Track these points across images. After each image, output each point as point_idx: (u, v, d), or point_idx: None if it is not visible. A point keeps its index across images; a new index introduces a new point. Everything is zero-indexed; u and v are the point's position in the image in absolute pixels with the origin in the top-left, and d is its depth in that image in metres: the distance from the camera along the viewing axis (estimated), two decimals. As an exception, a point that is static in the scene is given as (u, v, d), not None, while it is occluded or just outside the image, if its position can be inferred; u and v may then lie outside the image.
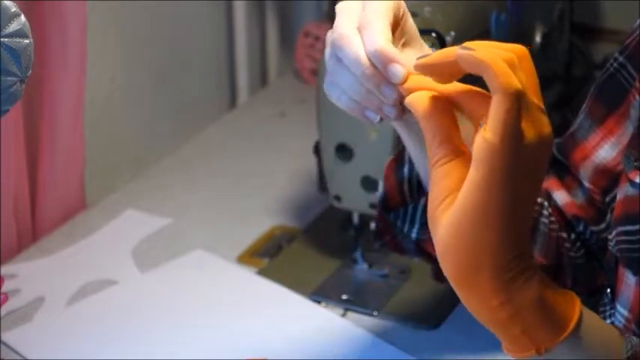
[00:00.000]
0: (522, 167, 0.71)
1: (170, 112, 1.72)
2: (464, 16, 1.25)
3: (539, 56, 1.43)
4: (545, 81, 1.47)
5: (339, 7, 0.84)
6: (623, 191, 0.96)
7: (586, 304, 1.12)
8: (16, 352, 1.16)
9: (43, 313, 1.23)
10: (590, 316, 0.78)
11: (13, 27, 0.85)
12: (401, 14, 0.84)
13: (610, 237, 0.98)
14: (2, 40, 0.85)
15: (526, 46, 0.75)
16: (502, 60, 0.71)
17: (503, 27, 1.31)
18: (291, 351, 1.15)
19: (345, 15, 0.83)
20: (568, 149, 1.06)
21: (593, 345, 0.78)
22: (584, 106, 1.06)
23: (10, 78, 0.86)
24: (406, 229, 1.02)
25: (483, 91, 0.73)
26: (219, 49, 1.81)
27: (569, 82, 1.54)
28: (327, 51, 0.84)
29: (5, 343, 1.17)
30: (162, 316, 1.22)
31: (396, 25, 0.84)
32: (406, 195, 1.03)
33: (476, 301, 0.76)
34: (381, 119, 0.84)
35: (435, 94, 0.75)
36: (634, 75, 0.99)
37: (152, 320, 1.21)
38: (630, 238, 0.94)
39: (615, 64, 1.01)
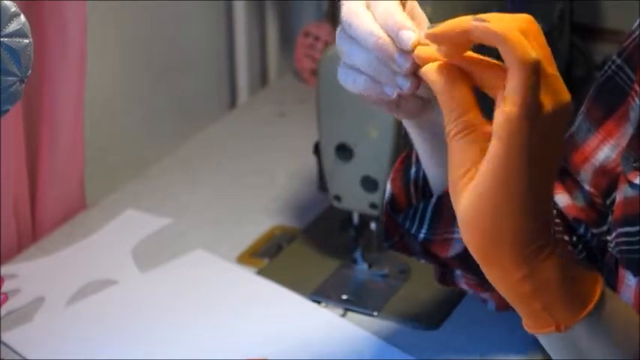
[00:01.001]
0: (543, 138, 0.71)
1: (170, 112, 1.72)
2: (464, 15, 1.25)
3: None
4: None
5: None
6: (622, 193, 0.96)
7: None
8: (16, 352, 1.16)
9: (43, 313, 1.23)
10: (613, 298, 0.78)
11: (12, 27, 0.85)
12: None
13: (610, 238, 0.98)
14: (2, 39, 0.85)
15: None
16: (517, 31, 0.71)
17: (503, 27, 1.31)
18: (291, 351, 1.15)
19: None
20: (567, 152, 1.06)
21: (615, 327, 0.78)
22: (582, 108, 1.06)
23: (9, 78, 0.86)
24: (414, 230, 1.01)
25: (498, 62, 0.73)
26: (219, 49, 1.81)
27: (570, 82, 1.54)
28: (337, 32, 0.83)
29: (5, 343, 1.17)
30: (162, 316, 1.22)
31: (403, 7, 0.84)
32: (412, 197, 1.03)
33: (498, 275, 0.76)
34: (399, 96, 0.83)
35: (451, 64, 0.74)
36: (632, 77, 0.99)
37: (152, 320, 1.21)
38: (630, 239, 0.94)
39: (613, 67, 1.01)
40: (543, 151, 0.72)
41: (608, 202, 1.04)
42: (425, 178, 1.00)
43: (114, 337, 1.18)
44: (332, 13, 1.81)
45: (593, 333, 0.77)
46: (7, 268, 1.30)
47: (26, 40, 0.86)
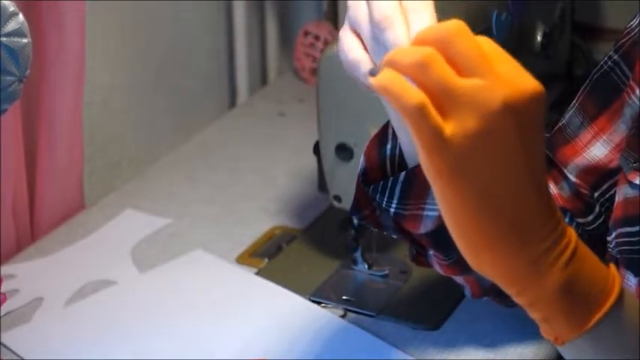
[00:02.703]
0: (482, 149, 0.69)
1: (169, 112, 1.72)
2: (464, 15, 1.24)
3: (540, 55, 1.42)
4: (546, 81, 1.46)
5: None
6: (622, 193, 0.96)
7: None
8: (14, 353, 1.16)
9: (42, 313, 1.23)
10: (632, 308, 0.76)
11: (11, 26, 0.85)
12: None
13: (610, 238, 0.98)
14: (1, 39, 0.85)
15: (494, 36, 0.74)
16: (410, 65, 0.69)
17: (504, 26, 1.31)
18: (291, 351, 1.15)
19: None
20: (557, 145, 1.06)
21: (620, 346, 0.76)
22: (574, 101, 1.05)
23: (8, 77, 0.86)
24: (385, 203, 0.99)
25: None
26: (219, 49, 1.81)
27: (570, 81, 1.53)
28: (367, 29, 0.81)
29: (3, 344, 1.17)
30: (161, 316, 1.21)
31: None
32: (388, 172, 1.01)
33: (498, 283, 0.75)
34: None
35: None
36: (628, 74, 0.99)
37: (151, 320, 1.21)
38: (630, 239, 0.94)
39: (609, 62, 1.00)
40: (493, 156, 0.70)
41: (596, 194, 1.03)
42: (401, 154, 0.98)
43: (113, 338, 1.18)
44: (332, 13, 1.81)
45: (600, 347, 0.75)
46: (5, 269, 1.30)
47: (25, 40, 0.86)
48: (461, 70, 0.70)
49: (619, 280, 0.77)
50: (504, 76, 0.70)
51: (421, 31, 0.72)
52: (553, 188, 1.08)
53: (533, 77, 0.71)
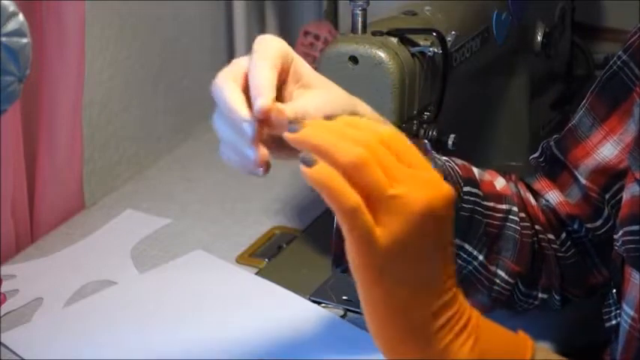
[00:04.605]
0: (401, 253, 0.73)
1: (169, 112, 1.72)
2: (464, 15, 1.25)
3: (540, 55, 1.42)
4: (547, 80, 1.47)
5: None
6: (629, 191, 0.96)
7: (586, 305, 1.12)
8: (14, 353, 1.16)
9: (42, 313, 1.22)
10: None
11: (11, 26, 0.85)
12: (290, 59, 0.85)
13: (616, 237, 0.98)
14: (1, 39, 0.84)
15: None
16: (347, 165, 0.72)
17: (504, 26, 1.31)
18: (291, 352, 1.15)
19: (227, 69, 0.86)
20: (568, 146, 1.06)
21: None
22: (584, 102, 1.05)
23: (8, 77, 0.86)
24: None
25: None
26: (219, 49, 1.81)
27: (571, 81, 1.53)
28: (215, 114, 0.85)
29: (3, 344, 1.17)
30: (161, 316, 1.21)
31: (285, 70, 0.85)
32: None
33: None
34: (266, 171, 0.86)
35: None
36: (637, 73, 0.99)
37: (151, 321, 1.21)
38: (637, 237, 0.94)
39: (618, 62, 1.00)
40: (415, 255, 0.73)
41: (607, 196, 1.03)
42: None
43: (113, 338, 1.18)
44: (332, 13, 1.81)
45: None
46: (5, 269, 1.29)
47: (25, 40, 0.86)
48: (387, 169, 0.73)
49: (530, 340, 0.80)
50: (425, 182, 0.74)
51: (361, 132, 0.74)
52: (559, 196, 1.08)
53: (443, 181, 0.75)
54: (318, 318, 1.21)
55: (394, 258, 0.73)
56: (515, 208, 1.07)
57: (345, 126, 0.75)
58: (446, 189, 0.74)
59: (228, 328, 1.19)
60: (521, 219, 1.08)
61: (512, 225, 1.07)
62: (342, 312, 1.23)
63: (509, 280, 1.07)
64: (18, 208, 1.36)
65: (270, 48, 0.83)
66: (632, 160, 0.96)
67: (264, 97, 0.80)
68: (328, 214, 1.38)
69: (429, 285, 0.75)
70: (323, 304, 1.24)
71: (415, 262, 0.74)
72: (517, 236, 1.07)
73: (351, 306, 1.23)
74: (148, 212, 1.43)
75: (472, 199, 1.04)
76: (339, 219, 0.72)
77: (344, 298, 1.24)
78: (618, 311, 0.98)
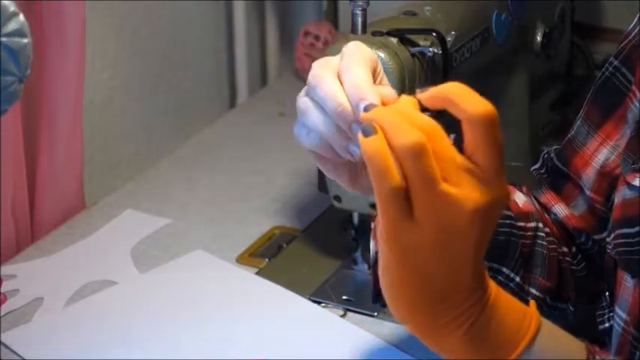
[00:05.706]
0: (433, 244, 0.73)
1: (169, 112, 1.72)
2: (464, 15, 1.25)
3: (540, 55, 1.42)
4: (546, 80, 1.47)
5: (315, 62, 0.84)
6: (621, 194, 0.96)
7: (586, 312, 1.11)
8: (15, 353, 1.16)
9: (42, 313, 1.22)
10: (556, 340, 0.79)
11: (11, 26, 0.85)
12: (378, 70, 0.84)
13: (608, 240, 0.98)
14: (1, 39, 0.85)
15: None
16: (402, 148, 0.71)
17: (503, 26, 1.31)
18: (291, 351, 1.15)
19: (322, 62, 0.83)
20: (568, 156, 1.06)
21: None
22: (581, 111, 1.05)
23: (8, 77, 0.86)
24: None
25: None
26: (219, 49, 1.81)
27: (571, 81, 1.53)
28: (301, 94, 0.83)
29: (4, 344, 1.17)
30: (161, 316, 1.21)
31: (374, 78, 0.84)
32: None
33: None
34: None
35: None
36: (630, 78, 0.98)
37: (151, 321, 1.21)
38: (628, 240, 0.93)
39: (610, 68, 1.00)
40: (444, 251, 0.73)
41: (610, 205, 1.03)
42: None
43: (113, 338, 1.18)
44: (332, 13, 1.81)
45: None
46: (5, 269, 1.30)
47: (25, 40, 0.86)
48: (440, 164, 0.72)
49: (536, 319, 0.80)
50: (477, 186, 0.72)
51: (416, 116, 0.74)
52: (564, 209, 1.07)
53: (504, 182, 0.74)
54: (318, 318, 1.21)
55: (419, 249, 0.73)
56: (540, 225, 1.06)
57: (416, 112, 0.75)
58: (499, 192, 0.73)
59: (228, 328, 1.19)
60: (547, 234, 1.07)
61: (540, 242, 1.05)
62: (342, 312, 1.23)
63: (540, 295, 1.05)
64: (18, 208, 1.36)
65: (367, 53, 0.82)
66: (623, 164, 0.96)
67: (372, 96, 0.78)
68: (328, 214, 1.39)
69: (457, 282, 0.75)
70: (323, 304, 1.24)
71: (441, 257, 0.73)
72: (545, 252, 1.05)
73: (351, 306, 1.23)
74: (148, 212, 1.43)
75: (507, 222, 1.02)
76: (376, 196, 0.72)
77: (344, 298, 1.24)
78: (611, 314, 0.98)
